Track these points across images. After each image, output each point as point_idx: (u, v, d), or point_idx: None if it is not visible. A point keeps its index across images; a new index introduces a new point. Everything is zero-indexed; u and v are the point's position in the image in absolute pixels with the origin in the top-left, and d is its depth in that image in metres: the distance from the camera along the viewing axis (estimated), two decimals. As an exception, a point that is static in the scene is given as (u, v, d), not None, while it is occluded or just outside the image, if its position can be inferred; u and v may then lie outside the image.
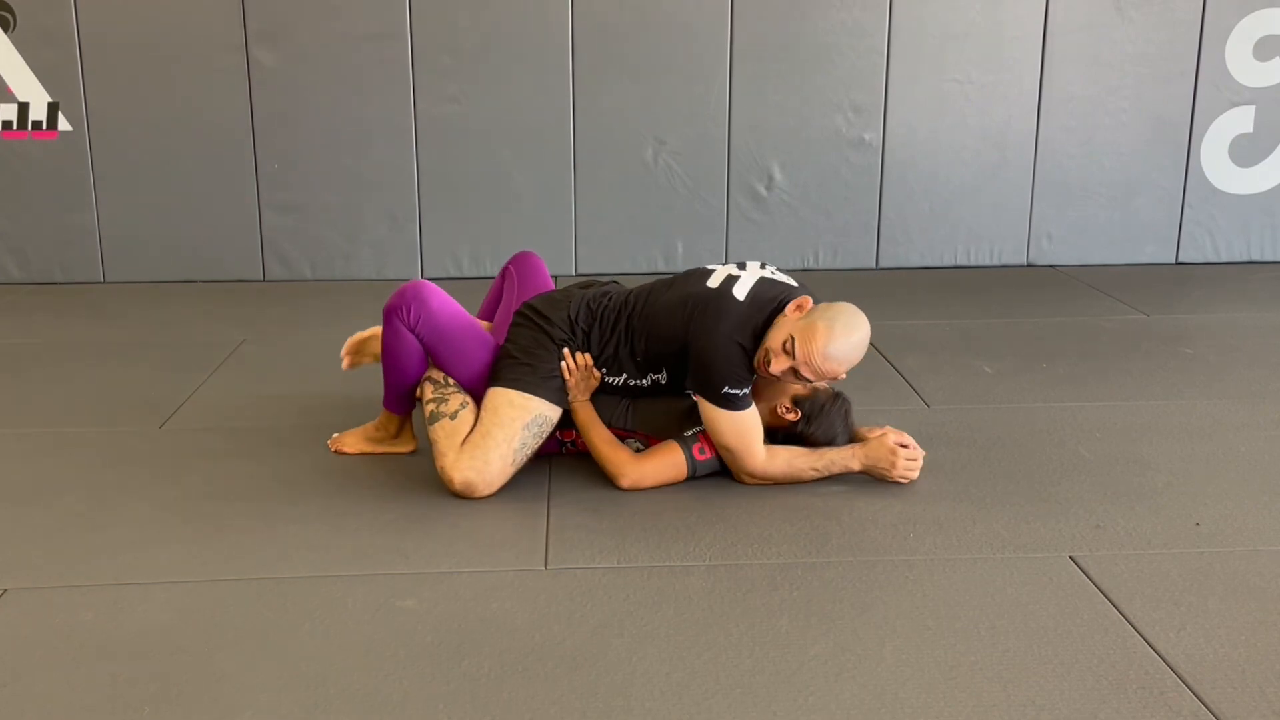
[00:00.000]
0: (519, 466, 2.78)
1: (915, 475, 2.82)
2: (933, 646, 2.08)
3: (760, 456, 2.74)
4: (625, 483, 2.76)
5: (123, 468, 2.97)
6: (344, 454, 3.03)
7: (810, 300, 2.71)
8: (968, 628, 2.15)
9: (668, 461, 2.79)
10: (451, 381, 2.86)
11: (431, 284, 2.87)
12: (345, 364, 3.15)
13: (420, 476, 2.86)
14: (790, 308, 2.69)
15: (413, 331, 2.81)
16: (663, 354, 2.79)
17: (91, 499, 2.76)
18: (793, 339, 2.59)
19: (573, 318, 2.85)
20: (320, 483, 2.86)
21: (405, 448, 3.05)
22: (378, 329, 3.00)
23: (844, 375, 2.67)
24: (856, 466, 2.80)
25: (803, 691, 1.94)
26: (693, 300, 2.74)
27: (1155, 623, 2.16)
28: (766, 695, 1.93)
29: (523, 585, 2.33)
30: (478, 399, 2.85)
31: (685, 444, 2.80)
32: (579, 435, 2.95)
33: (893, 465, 2.78)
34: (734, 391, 2.66)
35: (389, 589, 2.31)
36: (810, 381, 2.68)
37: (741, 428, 2.70)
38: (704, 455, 2.79)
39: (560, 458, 3.00)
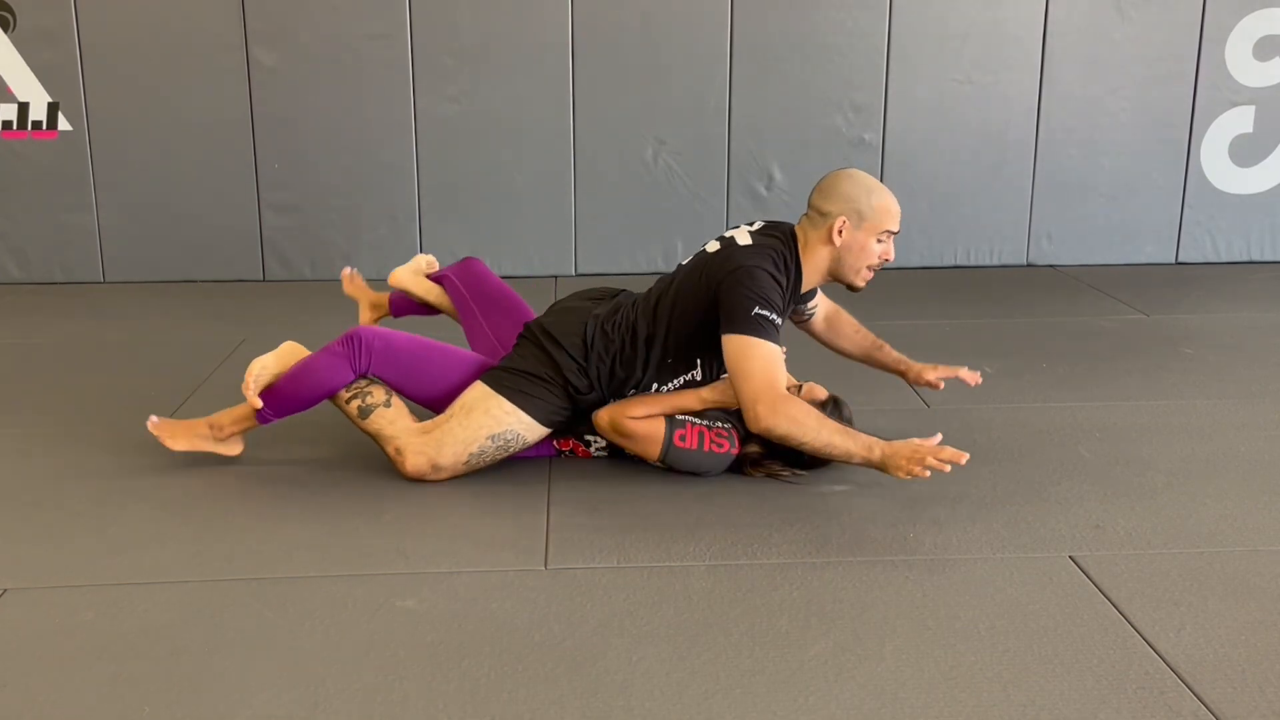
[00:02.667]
0: (473, 469, 2.81)
1: (928, 469, 2.52)
2: (933, 646, 2.08)
3: (783, 391, 2.60)
4: (604, 413, 2.80)
5: (123, 468, 2.96)
6: (165, 446, 2.90)
7: (842, 220, 2.70)
8: (968, 628, 2.15)
9: (648, 427, 2.77)
10: (359, 379, 2.84)
11: (382, 330, 2.85)
12: (257, 401, 2.84)
13: (420, 476, 2.87)
14: (833, 234, 2.70)
15: (362, 374, 2.80)
16: (696, 339, 2.75)
17: (91, 499, 2.76)
18: (888, 231, 2.72)
19: (589, 341, 2.80)
20: (320, 483, 2.86)
21: (234, 450, 2.94)
22: (264, 357, 2.86)
23: None
24: (876, 455, 2.57)
25: (803, 691, 1.94)
26: (706, 266, 2.74)
27: (1155, 623, 2.16)
28: (766, 695, 1.93)
29: (523, 585, 2.33)
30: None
31: (670, 424, 2.79)
32: (577, 444, 2.95)
33: (914, 452, 2.52)
34: (764, 314, 2.60)
35: (389, 589, 2.31)
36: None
37: (767, 353, 2.60)
38: (684, 443, 2.78)
39: (560, 459, 3.00)
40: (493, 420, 2.77)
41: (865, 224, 2.71)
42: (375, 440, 2.84)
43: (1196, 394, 3.53)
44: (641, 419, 2.78)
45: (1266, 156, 5.31)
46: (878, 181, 2.76)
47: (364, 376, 2.83)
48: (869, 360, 3.11)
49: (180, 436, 2.91)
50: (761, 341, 2.61)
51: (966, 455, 2.49)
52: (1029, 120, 5.23)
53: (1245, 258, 5.43)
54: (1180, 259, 5.42)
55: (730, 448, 2.82)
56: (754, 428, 2.63)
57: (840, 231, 2.71)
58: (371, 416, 2.80)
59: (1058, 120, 5.23)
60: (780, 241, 2.76)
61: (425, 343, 2.89)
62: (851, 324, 3.10)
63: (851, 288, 2.82)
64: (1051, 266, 5.37)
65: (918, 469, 2.51)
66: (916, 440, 2.58)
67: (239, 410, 2.91)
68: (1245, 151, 5.31)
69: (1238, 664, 2.02)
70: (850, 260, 2.75)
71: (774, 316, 2.63)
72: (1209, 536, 2.54)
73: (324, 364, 2.79)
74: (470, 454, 2.78)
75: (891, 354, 3.08)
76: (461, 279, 3.27)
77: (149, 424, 2.90)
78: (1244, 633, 2.13)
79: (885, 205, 2.72)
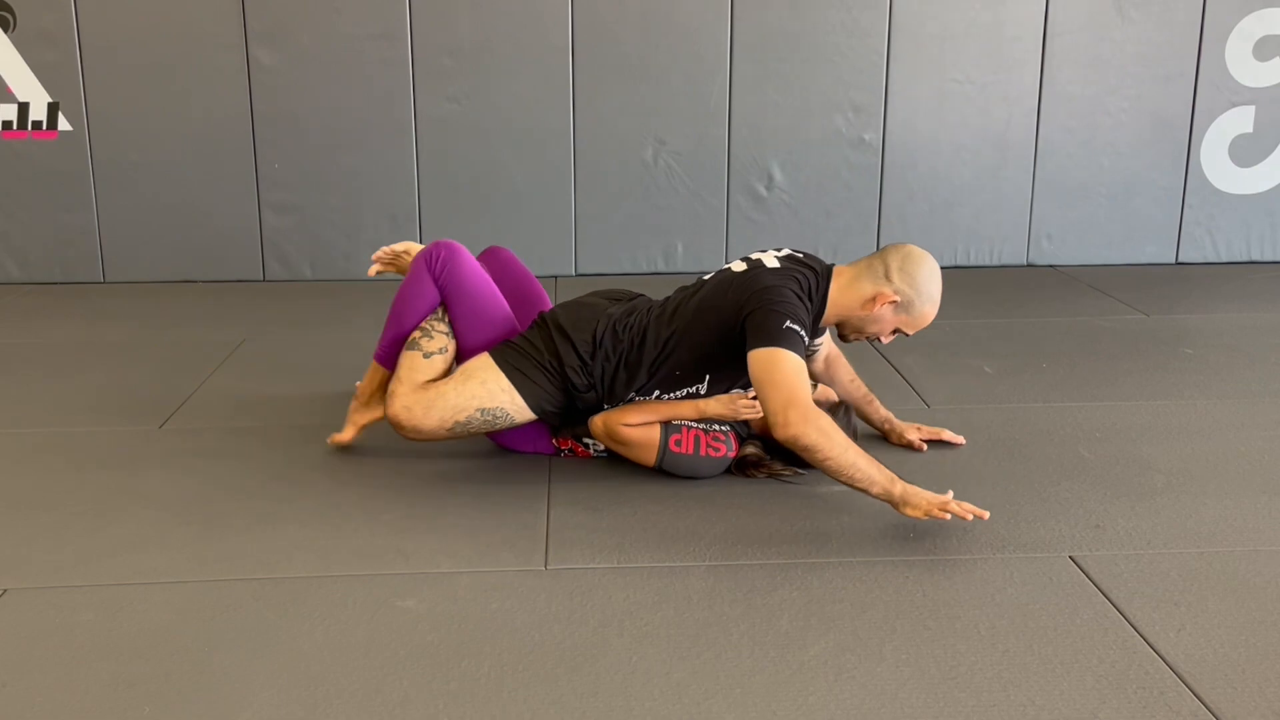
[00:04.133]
0: (455, 437, 2.85)
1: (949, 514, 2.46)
2: (933, 646, 2.08)
3: (810, 402, 2.53)
4: (599, 419, 2.82)
5: (123, 468, 2.97)
6: (346, 443, 3.04)
7: (895, 298, 2.69)
8: (968, 628, 2.15)
9: (643, 434, 2.78)
10: (447, 322, 2.89)
11: (465, 249, 2.93)
12: (372, 270, 3.29)
13: (420, 476, 2.87)
14: (876, 305, 2.70)
15: (435, 280, 2.87)
16: (709, 355, 2.73)
17: (91, 499, 2.76)
18: (910, 334, 2.79)
19: (599, 338, 2.80)
20: (320, 483, 2.86)
21: (378, 413, 3.01)
22: (413, 245, 3.22)
23: None
24: (898, 491, 2.48)
25: (803, 691, 1.94)
26: (733, 284, 2.73)
27: (1155, 623, 2.16)
28: (766, 695, 1.93)
29: (523, 585, 2.33)
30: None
31: (666, 430, 2.79)
32: (575, 444, 2.95)
33: (935, 496, 2.47)
34: (794, 328, 2.59)
35: (389, 589, 2.31)
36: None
37: (796, 363, 2.55)
38: (679, 448, 2.78)
39: (560, 459, 3.00)
40: (487, 393, 2.78)
41: (903, 315, 2.73)
42: (393, 375, 2.90)
43: (1196, 394, 3.53)
44: (636, 426, 2.79)
45: (1266, 156, 5.31)
46: (940, 292, 2.76)
47: (444, 313, 2.90)
48: (856, 411, 3.08)
49: (346, 430, 3.05)
50: (790, 353, 2.56)
51: (987, 514, 2.46)
52: (1029, 120, 5.23)
53: (1245, 258, 5.43)
54: (1180, 259, 5.42)
55: (727, 451, 2.81)
56: (782, 433, 2.50)
57: (885, 304, 2.70)
58: (409, 353, 2.86)
59: (1058, 120, 5.23)
60: (813, 273, 2.74)
61: (488, 284, 2.94)
62: (848, 371, 3.10)
63: (843, 339, 2.84)
64: (1051, 266, 5.37)
65: (938, 511, 2.43)
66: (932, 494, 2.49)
67: (368, 375, 3.01)
68: (1245, 151, 5.31)
69: (1238, 664, 2.02)
70: (867, 325, 2.75)
71: (802, 332, 2.61)
72: (1209, 536, 2.54)
73: (411, 274, 2.91)
74: (456, 422, 2.78)
75: (880, 411, 3.11)
76: (490, 265, 3.29)
77: (331, 441, 3.07)
78: (1244, 633, 2.13)
79: (927, 316, 2.74)
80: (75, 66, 4.91)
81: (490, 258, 3.28)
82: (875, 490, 2.49)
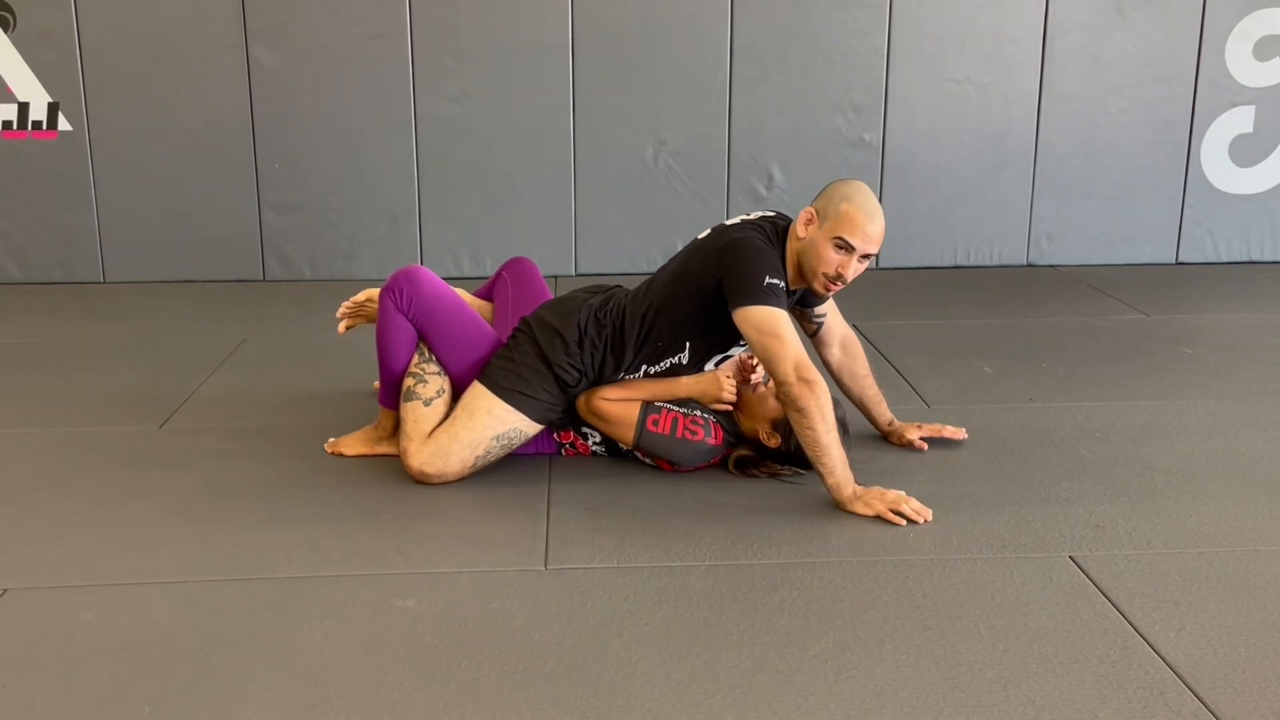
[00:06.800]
0: (478, 469, 2.83)
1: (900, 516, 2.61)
2: (933, 646, 2.08)
3: (803, 353, 2.61)
4: (580, 400, 2.85)
5: (123, 468, 2.97)
6: (342, 456, 3.02)
7: (810, 213, 2.71)
8: (968, 628, 2.15)
9: (622, 410, 2.80)
10: (433, 359, 2.87)
11: (425, 269, 2.91)
12: (341, 327, 3.26)
13: (420, 476, 2.87)
14: (800, 226, 2.71)
15: (405, 315, 2.84)
16: (688, 321, 2.77)
17: (91, 499, 2.76)
18: (844, 239, 2.63)
19: (582, 326, 2.83)
20: (320, 483, 2.86)
21: (393, 450, 2.99)
22: (374, 291, 3.14)
23: None
24: (847, 492, 2.62)
25: (803, 691, 1.94)
26: (700, 249, 2.79)
27: (1155, 623, 2.16)
28: (766, 695, 1.93)
29: (523, 585, 2.33)
30: (463, 389, 2.87)
31: (645, 409, 2.81)
32: (577, 437, 2.96)
33: (885, 493, 2.63)
34: (775, 282, 2.63)
35: (389, 589, 2.31)
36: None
37: (785, 320, 2.63)
38: (656, 428, 2.79)
39: (560, 458, 3.00)
40: (496, 420, 2.79)
41: (825, 224, 2.66)
42: (400, 423, 2.87)
43: (1197, 394, 3.53)
44: (616, 401, 2.81)
45: (1266, 156, 5.31)
46: (868, 198, 2.67)
47: (435, 359, 2.86)
48: (861, 408, 3.10)
49: (348, 443, 3.06)
50: (781, 311, 2.63)
51: (930, 513, 2.60)
52: (1029, 120, 5.23)
53: (1245, 258, 5.43)
54: (1180, 259, 5.42)
55: (705, 437, 2.81)
56: (787, 391, 2.58)
57: (806, 224, 2.71)
58: (409, 404, 2.83)
59: (1058, 120, 5.23)
60: (772, 225, 2.79)
61: (455, 304, 2.90)
62: (864, 365, 3.08)
63: (814, 293, 2.81)
64: (1051, 266, 5.37)
65: (889, 514, 2.59)
66: (892, 494, 2.64)
67: (381, 420, 3.02)
68: (1245, 151, 5.31)
69: (1238, 664, 2.02)
70: (809, 260, 2.71)
71: (781, 284, 2.66)
72: (1209, 536, 2.54)
73: (381, 314, 2.88)
74: (477, 456, 2.80)
75: (886, 414, 3.11)
76: (510, 270, 3.34)
77: (327, 445, 3.05)
78: (1244, 633, 2.13)
79: (849, 213, 2.64)
80: (75, 66, 4.91)
81: (514, 268, 3.34)
82: (830, 480, 2.63)
